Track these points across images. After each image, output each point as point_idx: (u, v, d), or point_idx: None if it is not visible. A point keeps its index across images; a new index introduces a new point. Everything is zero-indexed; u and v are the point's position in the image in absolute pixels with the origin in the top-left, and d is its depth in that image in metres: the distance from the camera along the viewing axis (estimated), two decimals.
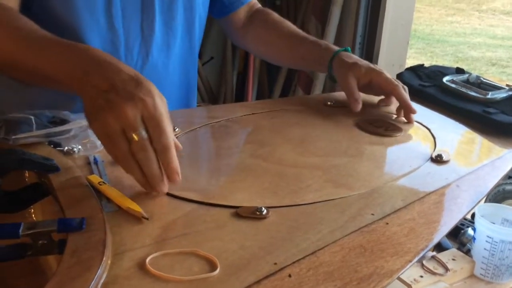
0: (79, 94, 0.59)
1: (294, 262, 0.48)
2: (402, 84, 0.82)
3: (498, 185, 1.86)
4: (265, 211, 0.55)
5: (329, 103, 0.90)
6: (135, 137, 0.54)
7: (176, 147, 0.57)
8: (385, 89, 0.83)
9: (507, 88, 0.91)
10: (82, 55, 0.61)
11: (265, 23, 1.02)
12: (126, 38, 0.85)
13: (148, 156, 0.54)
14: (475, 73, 0.97)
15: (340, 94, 1.00)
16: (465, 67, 0.95)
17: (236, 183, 0.63)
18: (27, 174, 0.66)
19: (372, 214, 0.56)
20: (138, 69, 0.87)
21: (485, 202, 1.40)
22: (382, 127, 0.78)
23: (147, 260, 0.46)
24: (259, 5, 1.08)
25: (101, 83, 0.56)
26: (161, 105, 0.55)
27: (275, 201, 0.58)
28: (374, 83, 0.83)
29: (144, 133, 0.54)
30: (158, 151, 0.55)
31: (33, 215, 0.68)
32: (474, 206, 0.62)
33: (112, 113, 0.53)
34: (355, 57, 0.87)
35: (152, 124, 0.54)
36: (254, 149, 0.72)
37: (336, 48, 0.90)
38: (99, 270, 0.43)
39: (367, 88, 0.84)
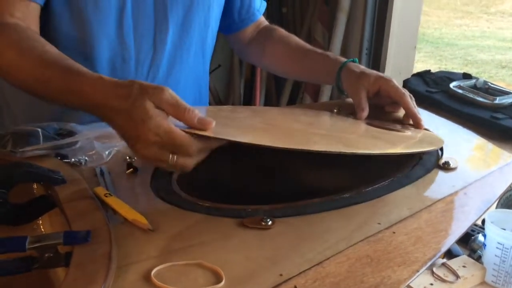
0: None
1: (300, 273, 0.48)
2: (409, 93, 0.81)
3: (509, 190, 1.84)
4: (270, 221, 0.55)
5: (335, 110, 0.89)
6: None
7: (208, 124, 0.57)
8: (394, 97, 0.82)
9: None
10: (90, 100, 0.61)
11: (272, 38, 1.03)
12: (136, 53, 0.85)
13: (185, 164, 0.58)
14: (484, 76, 0.97)
15: (348, 101, 1.00)
16: (474, 70, 0.95)
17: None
18: (34, 186, 0.66)
19: (379, 223, 0.56)
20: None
21: (496, 207, 1.38)
22: (392, 127, 0.79)
23: (152, 272, 0.47)
24: (267, 22, 1.09)
25: (117, 123, 0.59)
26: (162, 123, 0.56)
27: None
28: (383, 91, 0.82)
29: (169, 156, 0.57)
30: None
31: (42, 227, 0.68)
32: (483, 214, 0.61)
33: (137, 145, 0.57)
34: (363, 67, 0.87)
35: (169, 142, 0.56)
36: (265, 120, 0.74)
37: (343, 59, 0.90)
38: (104, 283, 0.44)
39: (376, 96, 0.84)
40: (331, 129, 0.80)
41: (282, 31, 1.04)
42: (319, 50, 0.97)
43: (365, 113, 0.81)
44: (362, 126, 0.80)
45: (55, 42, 0.77)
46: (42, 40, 0.73)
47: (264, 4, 1.07)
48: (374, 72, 0.85)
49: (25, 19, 0.75)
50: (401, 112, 0.85)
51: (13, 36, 0.72)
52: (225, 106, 0.89)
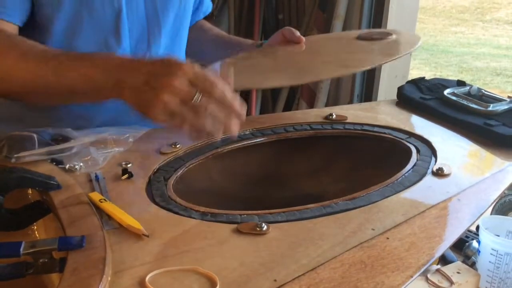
0: (117, 98, 0.63)
1: (294, 279, 0.48)
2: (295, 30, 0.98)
3: (503, 196, 1.85)
4: (265, 227, 0.55)
5: (330, 116, 0.90)
6: (196, 99, 0.59)
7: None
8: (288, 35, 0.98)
9: (508, 100, 0.91)
10: (106, 66, 0.65)
11: (195, 29, 1.07)
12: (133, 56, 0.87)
13: (215, 107, 0.60)
14: (479, 83, 0.98)
15: (342, 108, 1.01)
16: (469, 78, 0.96)
17: None
18: (29, 192, 0.66)
19: (373, 229, 0.56)
20: None
21: (491, 214, 1.39)
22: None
23: (147, 278, 0.47)
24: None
25: (136, 80, 0.61)
26: (195, 65, 0.60)
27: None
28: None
29: (199, 94, 0.59)
30: (219, 100, 0.60)
31: (36, 232, 0.68)
32: (476, 220, 0.62)
33: (164, 93, 0.58)
34: None
35: (200, 81, 0.59)
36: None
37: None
38: None
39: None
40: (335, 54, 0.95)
41: (207, 23, 1.11)
42: (239, 38, 1.08)
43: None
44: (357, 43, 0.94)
45: None
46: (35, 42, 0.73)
47: (211, 5, 1.13)
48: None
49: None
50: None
51: (6, 41, 0.72)
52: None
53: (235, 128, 0.63)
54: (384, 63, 0.87)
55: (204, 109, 0.60)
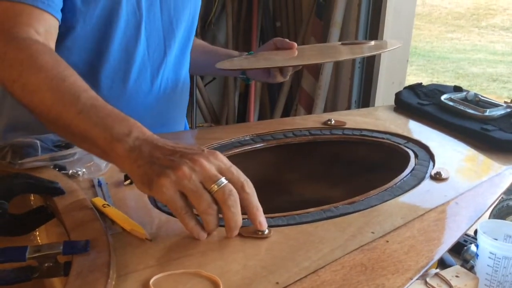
0: (122, 167, 0.56)
1: (296, 281, 0.48)
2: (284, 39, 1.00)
3: (502, 200, 1.86)
4: (266, 230, 0.56)
5: (329, 122, 0.91)
6: (216, 186, 0.52)
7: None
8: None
9: (505, 105, 0.92)
10: (129, 131, 0.56)
11: None
12: (152, 63, 0.91)
13: (237, 201, 0.53)
14: (475, 89, 0.99)
15: (340, 113, 1.02)
16: (466, 83, 0.97)
17: None
18: (32, 198, 0.67)
19: (372, 232, 0.57)
20: (168, 89, 0.94)
21: (489, 218, 1.39)
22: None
23: (151, 281, 0.47)
24: None
25: (159, 152, 0.54)
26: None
27: None
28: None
29: (224, 180, 0.52)
30: (245, 197, 0.54)
31: (38, 238, 0.69)
32: (474, 223, 0.62)
33: (184, 165, 0.51)
34: None
35: (231, 173, 0.53)
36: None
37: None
38: None
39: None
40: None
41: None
42: (225, 50, 1.11)
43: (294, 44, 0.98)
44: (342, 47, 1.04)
45: (69, 52, 0.80)
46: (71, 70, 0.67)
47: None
48: None
49: (47, 35, 0.73)
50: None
51: (42, 59, 0.67)
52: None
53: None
54: (369, 55, 0.93)
55: (227, 195, 0.52)
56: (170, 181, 0.50)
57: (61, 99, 0.60)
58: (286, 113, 2.39)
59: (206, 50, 1.10)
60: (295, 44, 0.98)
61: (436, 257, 0.54)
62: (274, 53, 0.98)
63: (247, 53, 1.04)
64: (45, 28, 0.73)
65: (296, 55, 0.95)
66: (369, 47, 1.00)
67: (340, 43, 1.09)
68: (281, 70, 0.98)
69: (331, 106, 2.16)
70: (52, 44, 0.75)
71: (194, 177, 0.51)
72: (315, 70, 2.15)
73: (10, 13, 0.71)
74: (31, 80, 0.63)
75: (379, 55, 1.95)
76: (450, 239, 0.58)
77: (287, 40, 0.99)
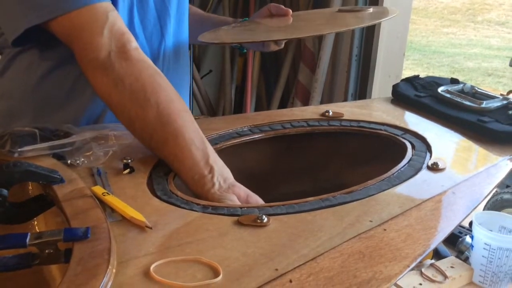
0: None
1: (294, 268, 0.49)
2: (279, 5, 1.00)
3: (496, 194, 1.87)
4: (265, 219, 0.56)
5: (327, 113, 0.91)
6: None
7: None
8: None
9: (501, 97, 0.93)
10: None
11: None
12: (150, 46, 0.89)
13: None
14: (471, 83, 0.99)
15: (338, 105, 1.02)
16: (461, 78, 0.98)
17: None
18: (31, 186, 0.67)
19: (370, 221, 0.57)
20: (170, 70, 0.92)
21: (483, 210, 1.40)
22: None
23: (152, 267, 0.48)
24: None
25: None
26: None
27: None
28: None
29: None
30: None
31: (36, 227, 0.69)
32: (470, 213, 0.63)
33: None
34: None
35: None
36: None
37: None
38: (104, 278, 0.45)
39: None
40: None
41: None
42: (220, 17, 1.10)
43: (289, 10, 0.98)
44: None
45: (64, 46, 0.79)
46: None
47: None
48: None
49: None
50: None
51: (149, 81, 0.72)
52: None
53: None
54: (367, 25, 1.02)
55: None
56: None
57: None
58: (282, 106, 2.39)
59: (200, 18, 1.08)
60: (290, 11, 0.97)
61: (433, 245, 0.55)
62: (268, 21, 0.96)
63: (241, 19, 1.03)
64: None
65: (291, 23, 0.95)
66: (368, 15, 0.98)
67: (337, 9, 1.07)
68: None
69: (328, 99, 2.16)
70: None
71: None
72: (312, 63, 2.15)
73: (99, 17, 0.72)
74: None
75: (376, 48, 1.95)
76: (446, 228, 0.58)
77: (282, 6, 0.98)
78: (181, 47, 0.96)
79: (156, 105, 0.70)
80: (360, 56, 2.03)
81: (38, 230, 0.69)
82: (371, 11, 1.00)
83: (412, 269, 0.93)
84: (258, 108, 2.54)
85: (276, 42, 0.98)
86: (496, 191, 1.86)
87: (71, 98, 0.82)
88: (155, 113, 0.70)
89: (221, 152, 0.81)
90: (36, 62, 0.81)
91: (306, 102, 2.17)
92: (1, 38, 0.80)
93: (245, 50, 1.09)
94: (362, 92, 2.06)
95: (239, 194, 0.67)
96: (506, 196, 1.80)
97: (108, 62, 0.71)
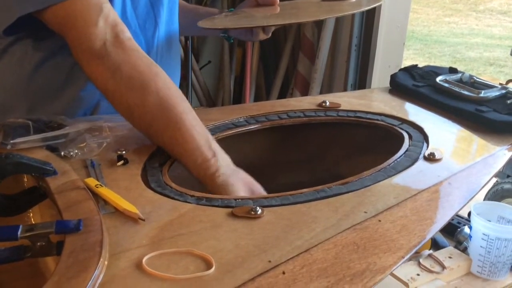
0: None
1: (288, 260, 0.49)
2: None
3: (496, 184, 1.87)
4: (259, 210, 0.56)
5: (323, 104, 0.91)
6: None
7: None
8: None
9: (499, 86, 0.92)
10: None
11: None
12: (145, 34, 0.88)
13: None
14: (472, 73, 0.98)
15: (335, 95, 1.01)
16: (462, 68, 0.97)
17: None
18: (25, 178, 0.67)
19: (365, 212, 0.57)
20: (164, 58, 0.92)
21: (484, 201, 1.40)
22: None
23: (144, 259, 0.47)
24: None
25: None
26: None
27: None
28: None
29: None
30: None
31: (32, 219, 0.69)
32: (467, 203, 0.63)
33: None
34: None
35: None
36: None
37: None
38: (96, 270, 0.44)
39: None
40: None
41: None
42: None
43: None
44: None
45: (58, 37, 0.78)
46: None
47: None
48: None
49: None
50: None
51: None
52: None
53: None
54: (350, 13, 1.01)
55: None
56: None
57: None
58: (282, 97, 2.38)
59: (186, 9, 1.07)
60: (277, 1, 0.97)
61: (428, 236, 0.55)
62: (255, 10, 0.96)
63: (227, 9, 1.03)
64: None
65: (278, 12, 0.94)
66: (349, 4, 0.97)
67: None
68: (263, 28, 0.97)
69: (327, 89, 2.15)
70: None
71: None
72: (311, 53, 2.13)
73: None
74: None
75: (376, 38, 1.94)
76: (442, 218, 0.58)
77: None
78: (172, 36, 0.96)
79: (155, 91, 0.70)
80: (359, 46, 2.02)
81: (33, 222, 0.69)
82: (353, 0, 1.00)
83: (410, 260, 0.94)
84: (257, 99, 2.53)
85: (264, 30, 0.98)
86: (496, 181, 1.86)
87: (65, 89, 0.82)
88: (154, 100, 0.69)
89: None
90: (29, 53, 0.80)
91: (305, 92, 2.16)
92: None
93: (232, 40, 1.09)
94: (362, 82, 2.05)
95: (243, 180, 0.67)
96: (507, 186, 1.80)
97: (104, 51, 0.70)
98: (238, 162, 0.85)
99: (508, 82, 0.93)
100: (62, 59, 0.80)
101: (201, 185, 0.68)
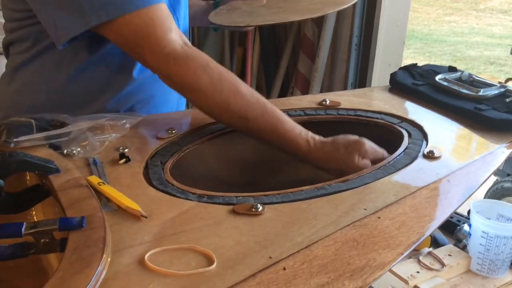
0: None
1: (288, 256, 0.49)
2: None
3: (496, 182, 1.87)
4: (260, 207, 0.56)
5: (324, 102, 0.91)
6: None
7: None
8: None
9: (498, 85, 0.93)
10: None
11: None
12: None
13: None
14: (472, 72, 0.99)
15: (335, 94, 1.02)
16: (463, 67, 0.97)
17: None
18: (28, 176, 0.67)
19: (365, 209, 0.57)
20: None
21: (484, 199, 1.41)
22: None
23: (146, 256, 0.48)
24: None
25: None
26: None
27: None
28: None
29: None
30: None
31: (35, 217, 0.69)
32: (465, 200, 0.63)
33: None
34: None
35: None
36: None
37: None
38: (99, 266, 0.45)
39: None
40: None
41: None
42: None
43: None
44: None
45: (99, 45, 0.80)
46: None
47: None
48: None
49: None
50: None
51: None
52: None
53: None
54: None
55: None
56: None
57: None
58: (282, 96, 2.39)
59: None
60: None
61: (427, 233, 0.55)
62: (248, 3, 0.98)
63: (212, 1, 1.04)
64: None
65: (265, 3, 0.96)
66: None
67: None
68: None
69: (328, 88, 2.16)
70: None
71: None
72: (312, 52, 2.14)
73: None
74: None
75: (376, 36, 1.94)
76: (441, 215, 0.59)
77: None
78: (186, 33, 0.96)
79: (240, 82, 0.76)
80: (359, 45, 2.02)
81: (36, 220, 0.69)
82: None
83: (410, 257, 0.94)
84: None
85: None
86: (496, 179, 1.87)
87: (95, 101, 0.83)
88: (245, 89, 0.75)
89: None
90: (66, 63, 0.81)
91: (306, 91, 2.16)
92: (28, 28, 0.79)
93: (219, 30, 1.11)
94: (362, 81, 2.05)
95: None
96: (507, 185, 1.80)
97: (189, 51, 0.74)
98: (240, 160, 0.86)
99: (507, 80, 0.94)
100: (96, 70, 0.82)
101: (204, 184, 0.69)
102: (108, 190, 0.58)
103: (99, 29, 0.72)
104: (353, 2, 0.95)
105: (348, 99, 0.94)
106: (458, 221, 1.17)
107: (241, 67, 2.57)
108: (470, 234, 0.98)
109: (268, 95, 2.49)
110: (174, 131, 0.78)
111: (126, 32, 0.73)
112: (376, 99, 0.95)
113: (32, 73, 0.83)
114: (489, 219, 0.96)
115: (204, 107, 0.76)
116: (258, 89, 2.53)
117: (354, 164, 0.72)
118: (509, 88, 0.91)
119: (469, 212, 1.05)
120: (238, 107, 0.74)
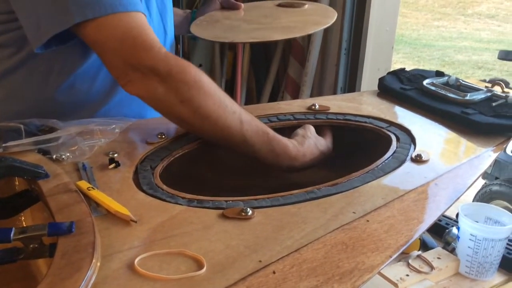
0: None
1: (278, 260, 0.50)
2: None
3: (485, 186, 1.88)
4: (250, 212, 0.57)
5: (313, 107, 0.92)
6: None
7: None
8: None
9: (485, 89, 0.94)
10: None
11: None
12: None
13: None
14: (461, 77, 1.00)
15: (325, 98, 1.02)
16: (451, 71, 0.99)
17: None
18: (17, 181, 0.67)
19: (354, 212, 0.58)
20: None
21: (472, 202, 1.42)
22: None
23: (136, 260, 0.48)
24: None
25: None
26: None
27: None
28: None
29: None
30: None
31: (24, 222, 0.69)
32: (453, 203, 0.64)
33: None
34: None
35: None
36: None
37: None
38: (89, 271, 0.45)
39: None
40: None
41: None
42: None
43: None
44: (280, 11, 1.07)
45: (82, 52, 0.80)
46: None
47: None
48: None
49: None
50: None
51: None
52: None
53: None
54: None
55: None
56: None
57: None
58: (272, 100, 2.39)
59: None
60: (242, 5, 1.00)
61: (415, 236, 0.56)
62: (226, 15, 1.00)
63: (190, 11, 1.06)
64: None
65: (243, 15, 0.99)
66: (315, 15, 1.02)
67: (277, 3, 1.11)
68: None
69: (317, 92, 2.17)
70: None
71: None
72: (302, 56, 2.15)
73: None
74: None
75: (365, 41, 1.96)
76: (429, 218, 0.59)
77: (233, 0, 1.02)
78: (173, 42, 0.98)
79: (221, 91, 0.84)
80: (349, 49, 2.04)
81: (25, 225, 0.69)
82: (306, 7, 1.05)
83: (399, 261, 0.95)
84: (248, 102, 2.54)
85: None
86: (485, 183, 1.89)
87: (83, 109, 0.83)
88: (229, 101, 0.83)
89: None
90: (55, 73, 0.81)
91: (296, 95, 2.17)
92: (12, 33, 0.78)
93: (198, 40, 1.14)
94: (351, 85, 2.06)
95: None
96: (495, 188, 1.82)
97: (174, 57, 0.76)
98: (229, 164, 0.86)
99: (494, 85, 0.95)
100: (82, 82, 0.82)
101: (193, 188, 0.69)
102: (98, 195, 0.58)
103: (80, 28, 0.71)
104: (332, 21, 0.98)
105: (337, 104, 0.94)
106: (447, 224, 1.18)
107: (231, 71, 2.57)
108: (459, 237, 0.98)
109: (258, 99, 2.49)
110: (163, 136, 0.78)
111: (112, 31, 0.71)
112: (365, 103, 0.96)
113: (19, 83, 0.82)
114: (477, 222, 0.96)
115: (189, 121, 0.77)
116: (249, 93, 2.54)
117: (327, 142, 0.81)
118: (495, 92, 0.92)
119: (457, 215, 1.05)
120: (223, 119, 0.78)
